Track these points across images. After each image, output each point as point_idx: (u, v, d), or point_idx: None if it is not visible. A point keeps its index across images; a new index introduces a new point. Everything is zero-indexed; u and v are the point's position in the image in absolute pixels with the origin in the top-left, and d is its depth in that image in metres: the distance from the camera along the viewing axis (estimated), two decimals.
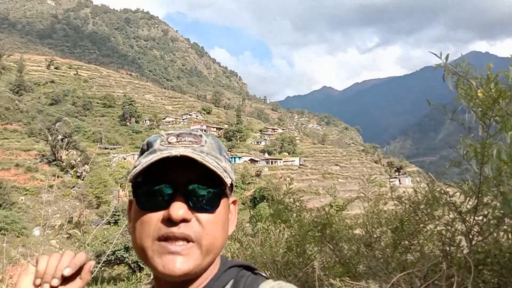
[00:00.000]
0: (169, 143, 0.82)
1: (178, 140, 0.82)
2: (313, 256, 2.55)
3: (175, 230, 0.76)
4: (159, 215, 0.78)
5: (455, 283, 1.39)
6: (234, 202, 0.91)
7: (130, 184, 0.83)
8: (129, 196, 0.89)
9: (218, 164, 0.81)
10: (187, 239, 0.77)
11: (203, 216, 0.79)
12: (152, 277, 0.92)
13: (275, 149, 79.41)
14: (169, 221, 0.76)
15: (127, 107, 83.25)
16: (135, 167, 0.81)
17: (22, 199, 42.40)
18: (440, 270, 1.60)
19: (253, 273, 0.86)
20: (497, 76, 1.69)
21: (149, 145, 0.84)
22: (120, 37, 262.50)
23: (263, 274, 0.87)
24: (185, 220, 0.77)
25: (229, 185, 0.84)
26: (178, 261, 0.76)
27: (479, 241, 2.10)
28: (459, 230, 2.15)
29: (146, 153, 0.83)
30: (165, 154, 0.78)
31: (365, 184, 2.85)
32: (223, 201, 0.83)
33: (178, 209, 0.76)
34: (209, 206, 0.80)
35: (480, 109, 1.81)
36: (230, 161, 0.89)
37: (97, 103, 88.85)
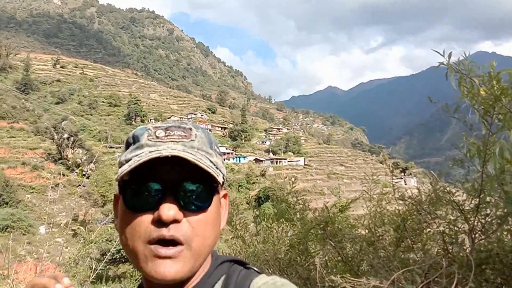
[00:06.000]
0: (157, 137, 0.76)
1: (166, 135, 0.76)
2: (315, 254, 2.56)
3: (165, 232, 0.72)
4: (149, 216, 0.73)
5: (455, 280, 1.39)
6: (225, 196, 0.87)
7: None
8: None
9: (210, 160, 0.77)
10: (177, 242, 0.72)
11: (194, 216, 0.75)
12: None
13: (280, 149, 79.30)
14: (160, 222, 0.72)
15: (132, 106, 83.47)
16: (121, 164, 0.77)
17: (28, 197, 42.74)
18: (441, 267, 1.61)
19: (245, 267, 0.83)
20: (499, 74, 1.68)
21: (136, 139, 0.79)
22: (126, 36, 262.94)
23: (255, 269, 0.84)
24: (176, 221, 0.72)
25: (221, 182, 0.80)
26: (169, 265, 0.72)
27: (481, 240, 2.10)
28: (461, 229, 2.15)
29: (132, 147, 0.78)
30: (154, 153, 0.72)
31: (368, 184, 2.85)
32: (215, 198, 0.79)
33: (169, 209, 0.72)
34: (201, 204, 0.76)
35: (482, 107, 1.81)
36: (220, 154, 0.84)
37: (103, 102, 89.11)
